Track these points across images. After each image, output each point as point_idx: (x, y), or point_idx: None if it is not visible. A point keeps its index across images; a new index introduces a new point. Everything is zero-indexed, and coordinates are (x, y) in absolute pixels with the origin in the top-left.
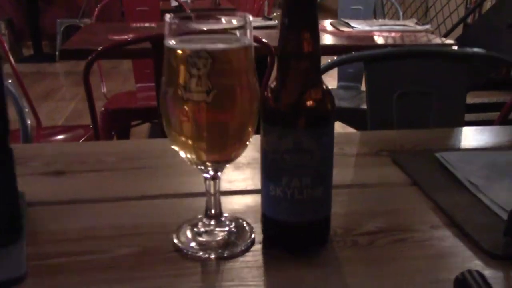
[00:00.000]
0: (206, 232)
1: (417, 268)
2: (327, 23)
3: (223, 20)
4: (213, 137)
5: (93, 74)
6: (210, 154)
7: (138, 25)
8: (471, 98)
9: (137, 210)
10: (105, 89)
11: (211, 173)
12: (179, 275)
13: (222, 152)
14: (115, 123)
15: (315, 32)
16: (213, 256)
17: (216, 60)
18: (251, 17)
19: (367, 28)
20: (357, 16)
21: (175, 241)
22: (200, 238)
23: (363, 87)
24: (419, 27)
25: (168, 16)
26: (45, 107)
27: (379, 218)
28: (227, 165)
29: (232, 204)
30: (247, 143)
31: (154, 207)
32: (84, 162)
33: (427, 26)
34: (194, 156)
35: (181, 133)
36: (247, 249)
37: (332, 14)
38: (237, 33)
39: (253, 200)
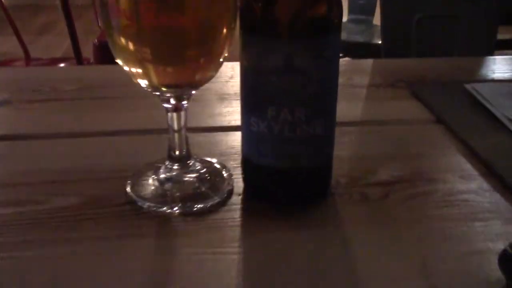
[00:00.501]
0: (169, 179)
1: (444, 232)
2: None
3: None
4: (166, 49)
5: (91, 8)
6: (164, 74)
7: None
8: (502, 34)
9: (89, 150)
10: (100, 22)
11: (172, 101)
12: (129, 235)
13: (181, 71)
14: (109, 55)
15: None
16: (176, 211)
17: None
18: None
19: None
20: None
21: (129, 190)
22: (162, 187)
23: (375, 21)
24: None
25: None
26: (43, 41)
27: (394, 165)
28: (194, 91)
29: (210, 144)
30: (220, 60)
31: (110, 146)
32: (37, 90)
33: None
34: (143, 77)
35: (124, 44)
36: (223, 203)
37: None
38: None
39: (238, 140)
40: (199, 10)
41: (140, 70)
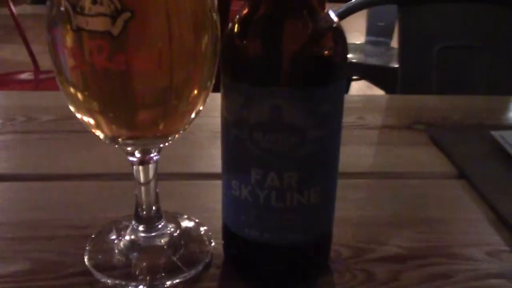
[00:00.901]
0: (134, 244)
1: None
2: None
3: None
4: (125, 99)
5: None
6: (120, 126)
7: None
8: None
9: (52, 197)
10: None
11: (138, 154)
12: None
13: (139, 124)
14: None
15: None
16: (145, 287)
17: None
18: None
19: None
20: None
21: (86, 257)
22: (126, 255)
23: (394, 43)
24: None
25: None
26: None
27: (407, 232)
28: (163, 144)
29: (192, 195)
30: (195, 110)
31: (78, 193)
32: (10, 119)
33: None
34: (96, 128)
35: (74, 87)
36: (197, 279)
37: None
38: None
39: None
40: (167, 54)
41: (91, 120)
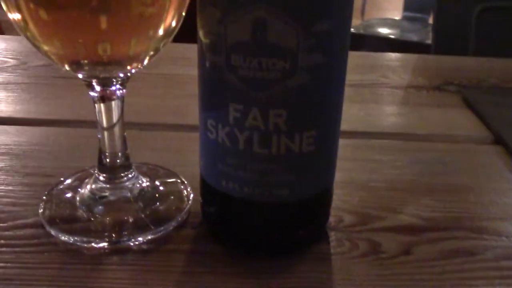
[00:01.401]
0: (95, 197)
1: None
2: None
3: None
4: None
5: None
6: (77, 45)
7: None
8: None
9: (22, 143)
10: None
11: (97, 87)
12: (22, 275)
13: (103, 38)
14: None
15: None
16: (101, 244)
17: None
18: None
19: None
20: None
21: (41, 208)
22: (86, 207)
23: (431, 20)
24: None
25: None
26: None
27: (427, 200)
28: (124, 74)
29: (172, 148)
30: (163, 21)
31: (55, 141)
32: (3, 62)
33: None
34: (43, 46)
35: None
36: (166, 239)
37: None
38: None
39: None
40: None
41: (39, 39)
